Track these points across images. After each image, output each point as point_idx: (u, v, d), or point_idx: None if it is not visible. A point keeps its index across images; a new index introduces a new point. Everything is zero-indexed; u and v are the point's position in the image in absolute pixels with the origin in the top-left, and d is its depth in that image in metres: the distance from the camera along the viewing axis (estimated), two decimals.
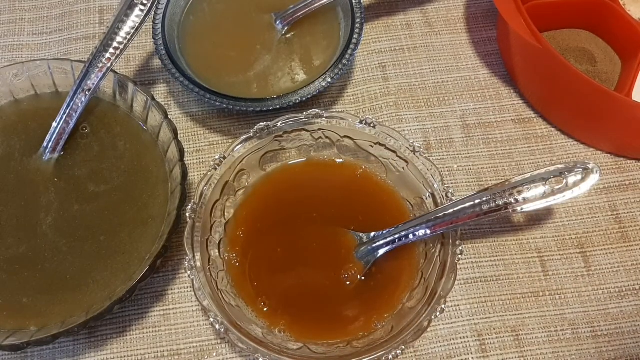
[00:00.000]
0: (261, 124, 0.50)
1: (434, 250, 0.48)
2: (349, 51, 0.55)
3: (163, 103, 0.59)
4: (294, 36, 0.60)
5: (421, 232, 0.47)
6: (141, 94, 0.51)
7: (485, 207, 0.45)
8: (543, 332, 0.50)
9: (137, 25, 0.51)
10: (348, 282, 0.48)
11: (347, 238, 0.50)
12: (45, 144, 0.51)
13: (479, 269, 0.53)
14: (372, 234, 0.49)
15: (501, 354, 0.49)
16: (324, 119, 0.51)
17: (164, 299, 0.51)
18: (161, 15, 0.57)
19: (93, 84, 0.51)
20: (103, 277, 0.47)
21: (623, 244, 0.54)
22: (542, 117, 0.60)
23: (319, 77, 0.54)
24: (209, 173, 0.49)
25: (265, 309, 0.48)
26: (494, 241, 0.54)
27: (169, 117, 0.50)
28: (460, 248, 0.45)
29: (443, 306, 0.43)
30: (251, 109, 0.54)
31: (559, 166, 0.44)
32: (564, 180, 0.44)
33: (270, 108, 0.53)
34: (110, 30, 0.51)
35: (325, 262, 0.49)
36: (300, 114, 0.51)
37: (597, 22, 0.60)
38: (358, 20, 0.57)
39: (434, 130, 0.59)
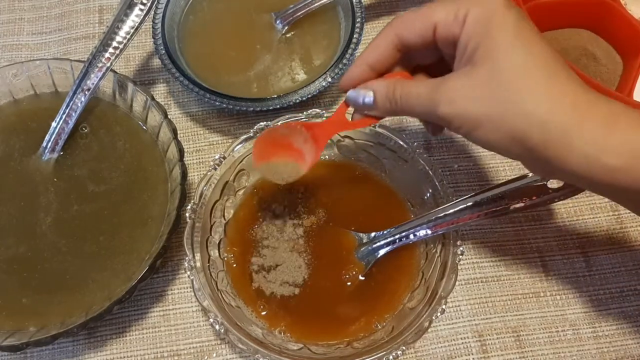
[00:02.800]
0: (261, 123, 0.50)
1: (434, 250, 0.48)
2: (350, 51, 0.55)
3: (163, 103, 0.59)
4: (294, 36, 0.60)
5: (422, 233, 0.46)
6: (141, 94, 0.51)
7: (485, 207, 0.45)
8: (544, 333, 0.50)
9: (136, 24, 0.51)
10: (348, 283, 0.48)
11: (347, 238, 0.50)
12: (44, 143, 0.51)
13: (479, 269, 0.52)
14: (373, 234, 0.49)
15: (502, 355, 0.49)
16: (324, 118, 0.51)
17: (163, 300, 0.51)
18: (161, 14, 0.57)
19: (92, 83, 0.51)
20: (102, 278, 0.47)
21: (624, 244, 0.53)
22: None
23: (319, 77, 0.54)
24: (208, 173, 0.49)
25: (264, 312, 0.47)
26: (495, 241, 0.54)
27: (169, 116, 0.50)
28: (461, 248, 0.45)
29: (444, 307, 0.43)
30: (251, 108, 0.53)
31: None
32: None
33: (270, 108, 0.53)
34: (109, 29, 0.51)
35: (325, 262, 0.49)
36: (300, 114, 0.50)
37: (598, 22, 0.60)
38: (358, 19, 0.57)
39: None
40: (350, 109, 0.42)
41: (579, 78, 0.34)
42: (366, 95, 0.40)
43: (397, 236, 0.48)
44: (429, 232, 0.46)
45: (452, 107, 0.34)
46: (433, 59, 0.40)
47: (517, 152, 0.34)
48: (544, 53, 0.33)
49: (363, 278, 0.48)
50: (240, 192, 0.52)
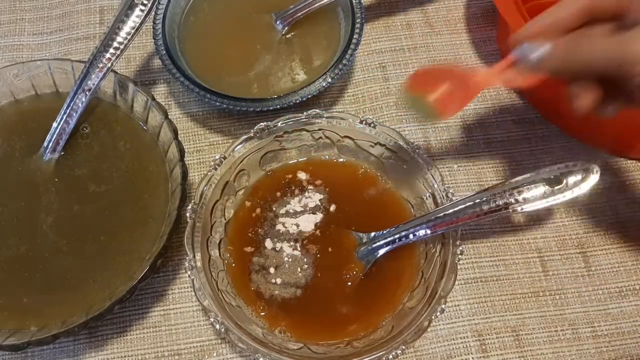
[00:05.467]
0: (261, 124, 0.50)
1: (434, 250, 0.48)
2: (349, 51, 0.55)
3: (163, 103, 0.59)
4: (294, 36, 0.60)
5: (421, 232, 0.47)
6: (141, 94, 0.51)
7: (485, 207, 0.45)
8: (543, 332, 0.50)
9: (137, 25, 0.51)
10: (349, 282, 0.48)
11: (347, 238, 0.50)
12: (45, 144, 0.51)
13: (479, 269, 0.53)
14: (373, 233, 0.49)
15: (501, 354, 0.49)
16: (324, 119, 0.51)
17: (164, 299, 0.51)
18: (161, 15, 0.57)
19: (93, 84, 0.51)
20: (103, 277, 0.47)
21: (623, 243, 0.54)
22: (542, 117, 0.60)
23: (319, 77, 0.54)
24: (209, 173, 0.49)
25: (264, 312, 0.48)
26: (494, 241, 0.54)
27: (169, 117, 0.50)
28: (461, 248, 0.45)
29: (443, 306, 0.43)
30: (251, 109, 0.54)
31: (559, 166, 0.44)
32: (564, 181, 0.44)
33: (271, 108, 0.53)
34: (110, 30, 0.51)
35: (326, 262, 0.49)
36: (300, 114, 0.51)
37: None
38: (358, 20, 0.57)
39: (434, 130, 0.59)
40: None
41: None
42: (543, 45, 0.39)
43: (396, 236, 0.48)
44: (429, 232, 0.46)
45: None
46: None
47: None
48: None
49: (363, 277, 0.48)
50: (241, 192, 0.52)
